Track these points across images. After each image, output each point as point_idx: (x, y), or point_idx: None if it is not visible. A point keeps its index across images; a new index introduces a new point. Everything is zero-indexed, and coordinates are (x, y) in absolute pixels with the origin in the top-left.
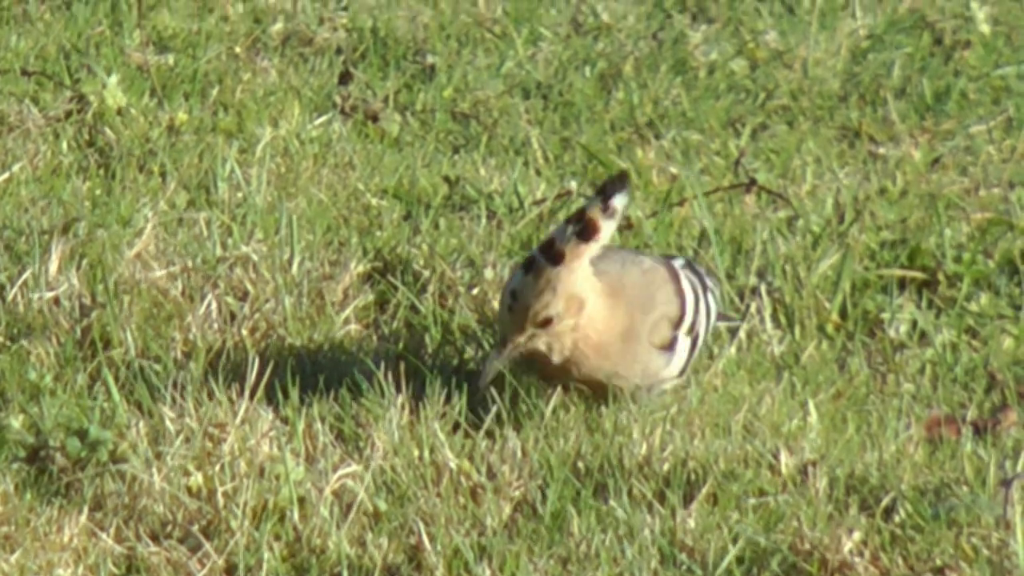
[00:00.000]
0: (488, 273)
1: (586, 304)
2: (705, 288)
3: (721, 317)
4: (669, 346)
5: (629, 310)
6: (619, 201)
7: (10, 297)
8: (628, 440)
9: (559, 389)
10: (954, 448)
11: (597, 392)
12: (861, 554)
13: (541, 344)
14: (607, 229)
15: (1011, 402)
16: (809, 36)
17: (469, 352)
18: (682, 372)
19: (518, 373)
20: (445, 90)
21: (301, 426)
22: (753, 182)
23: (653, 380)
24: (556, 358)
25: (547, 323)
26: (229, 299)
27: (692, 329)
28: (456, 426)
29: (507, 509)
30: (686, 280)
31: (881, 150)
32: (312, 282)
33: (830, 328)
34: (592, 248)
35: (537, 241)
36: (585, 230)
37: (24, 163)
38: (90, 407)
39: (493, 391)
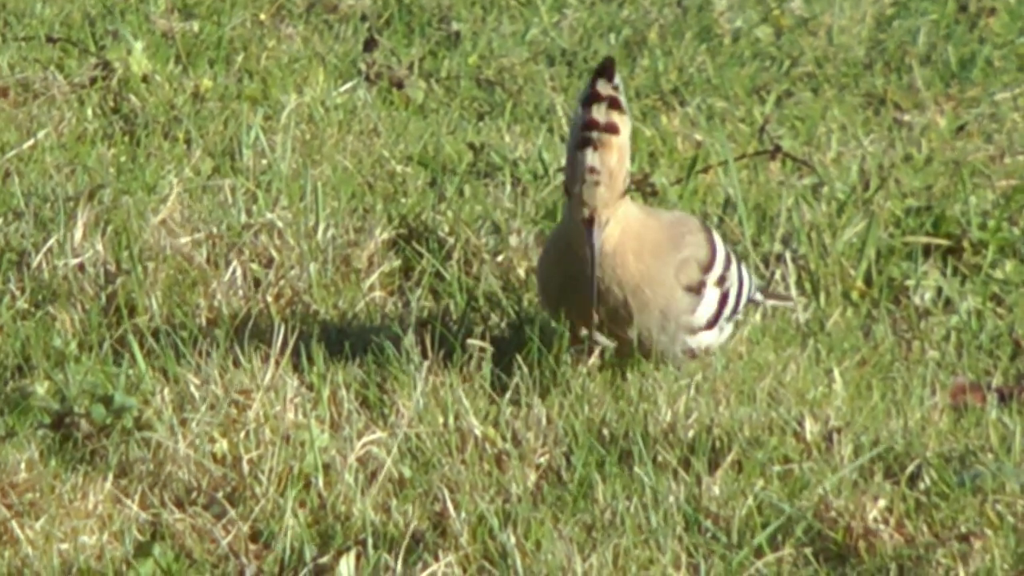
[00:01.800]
0: (513, 240)
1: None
2: (739, 259)
3: (772, 296)
4: (696, 290)
5: (660, 228)
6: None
7: (35, 264)
8: (653, 407)
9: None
10: (979, 415)
11: (615, 322)
12: (886, 521)
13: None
14: (623, 100)
15: None
16: (834, 3)
17: (494, 319)
18: (710, 325)
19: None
20: (470, 57)
21: (326, 393)
22: (778, 149)
23: (676, 324)
24: (608, 247)
25: (625, 193)
26: (254, 266)
27: (722, 281)
28: (482, 393)
29: (532, 476)
30: (718, 235)
31: (906, 117)
32: (337, 249)
33: (855, 295)
34: (627, 119)
35: (562, 208)
36: (614, 103)
37: (49, 130)
38: (115, 374)
39: (519, 358)
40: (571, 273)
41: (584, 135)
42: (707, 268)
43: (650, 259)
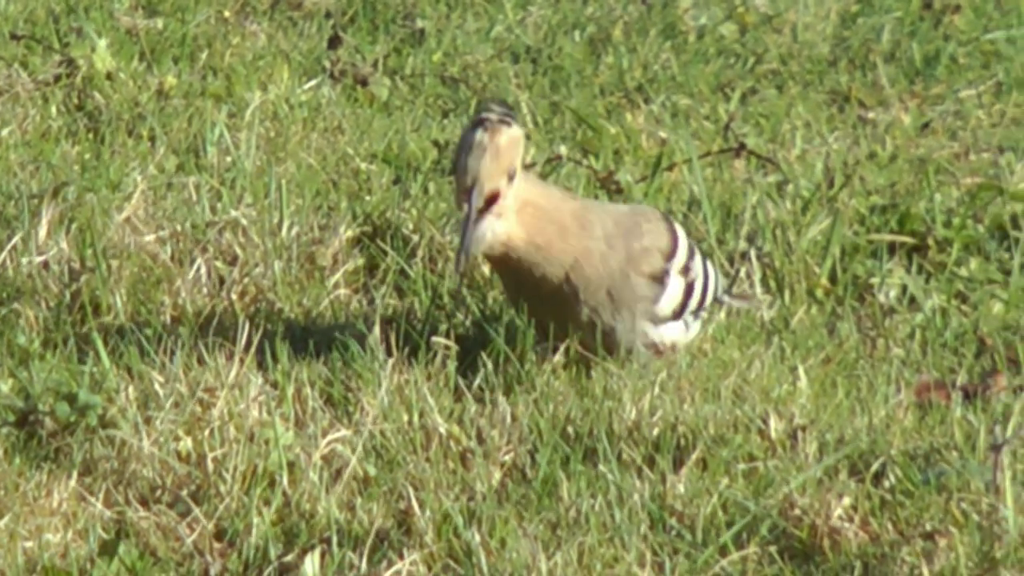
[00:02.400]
0: None
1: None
2: (705, 256)
3: (737, 297)
4: (659, 279)
5: (595, 215)
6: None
7: None
8: (618, 405)
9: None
10: (944, 413)
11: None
12: (851, 519)
13: (500, 228)
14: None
15: (1001, 367)
16: (798, 0)
17: (459, 317)
18: (676, 315)
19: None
20: (434, 54)
21: (291, 391)
22: (743, 146)
23: (637, 312)
24: (519, 242)
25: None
26: (218, 263)
27: (686, 271)
28: (446, 391)
29: (497, 474)
30: (681, 228)
31: (871, 114)
32: (302, 246)
33: (820, 293)
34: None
35: None
36: (507, 116)
37: (13, 127)
38: (79, 371)
39: (483, 356)
40: (514, 277)
41: (481, 117)
42: (669, 256)
43: (578, 238)
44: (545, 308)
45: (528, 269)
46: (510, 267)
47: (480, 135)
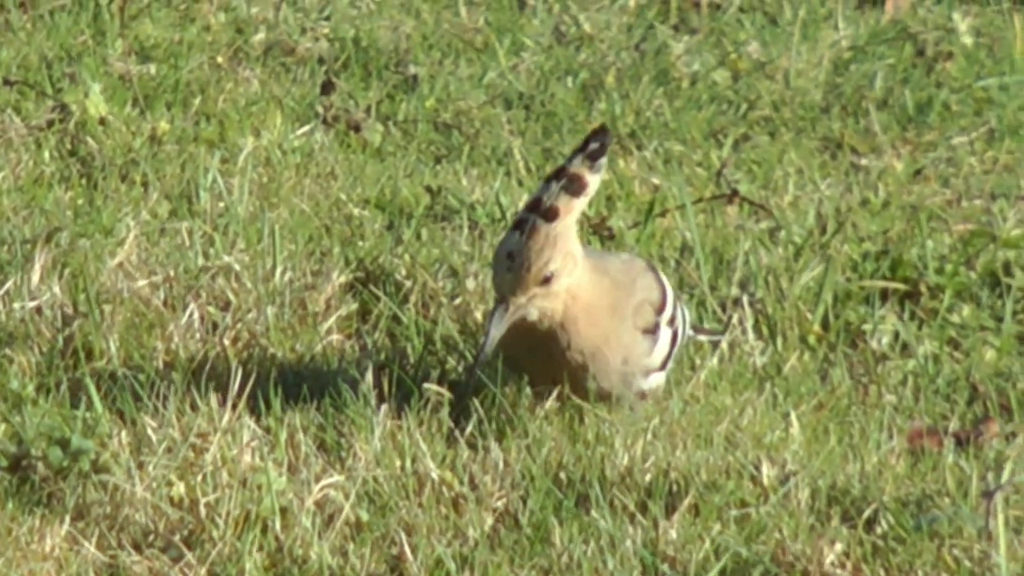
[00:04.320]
0: (470, 283)
1: (579, 263)
2: (677, 295)
3: (702, 331)
4: (652, 331)
5: (613, 286)
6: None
7: None
8: (610, 451)
9: (539, 397)
10: (936, 460)
11: (576, 383)
12: (843, 565)
13: (535, 308)
14: (593, 183)
15: (993, 414)
16: (791, 47)
17: (451, 362)
18: (663, 366)
19: (503, 374)
20: (427, 100)
21: (283, 436)
22: (735, 193)
23: (635, 368)
24: (546, 323)
25: (548, 281)
26: (211, 309)
27: (672, 321)
28: (439, 436)
29: (489, 519)
30: (662, 274)
31: (863, 161)
32: (294, 292)
33: (812, 339)
34: (582, 202)
35: None
36: (573, 185)
37: (6, 172)
38: (72, 417)
39: (475, 402)
40: (526, 343)
41: (521, 215)
42: (660, 309)
43: (607, 321)
44: (546, 371)
45: (547, 344)
46: (528, 335)
47: (516, 241)
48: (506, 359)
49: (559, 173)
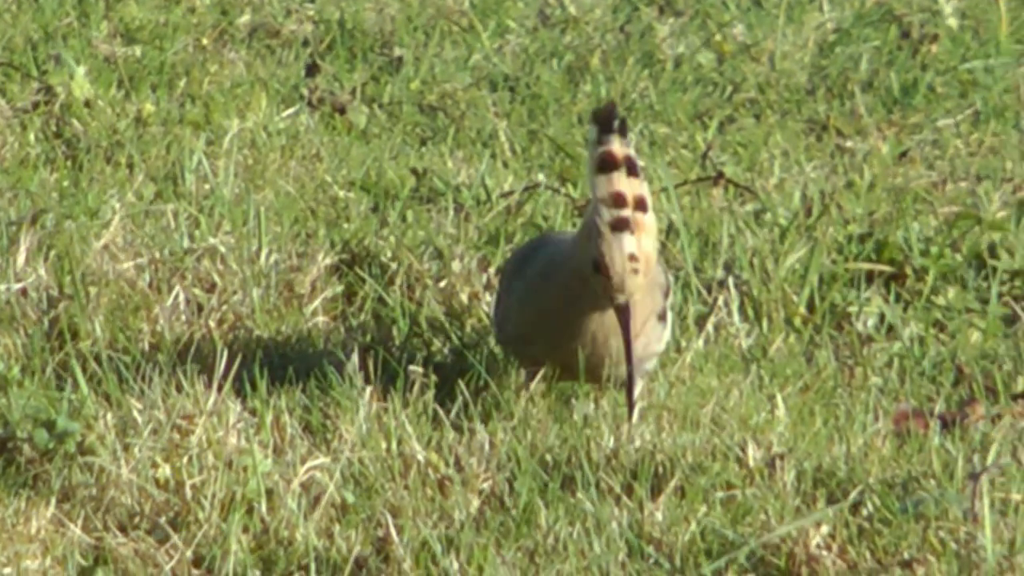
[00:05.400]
0: (455, 265)
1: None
2: None
3: None
4: (663, 316)
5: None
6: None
7: None
8: (596, 433)
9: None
10: (922, 442)
11: (599, 370)
12: (829, 547)
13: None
14: (635, 156)
15: (978, 396)
16: (776, 29)
17: (436, 344)
18: (665, 351)
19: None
20: (412, 82)
21: (269, 418)
22: (720, 175)
23: (649, 353)
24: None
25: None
26: (197, 291)
27: (672, 306)
28: (425, 418)
29: (475, 501)
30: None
31: (848, 143)
32: (280, 274)
33: (797, 321)
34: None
35: (504, 235)
36: (632, 166)
37: None
38: (58, 398)
39: (461, 384)
40: (574, 329)
41: (616, 216)
42: (667, 294)
43: (649, 305)
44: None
45: (606, 326)
46: (589, 318)
47: (631, 240)
48: (527, 342)
49: (609, 161)
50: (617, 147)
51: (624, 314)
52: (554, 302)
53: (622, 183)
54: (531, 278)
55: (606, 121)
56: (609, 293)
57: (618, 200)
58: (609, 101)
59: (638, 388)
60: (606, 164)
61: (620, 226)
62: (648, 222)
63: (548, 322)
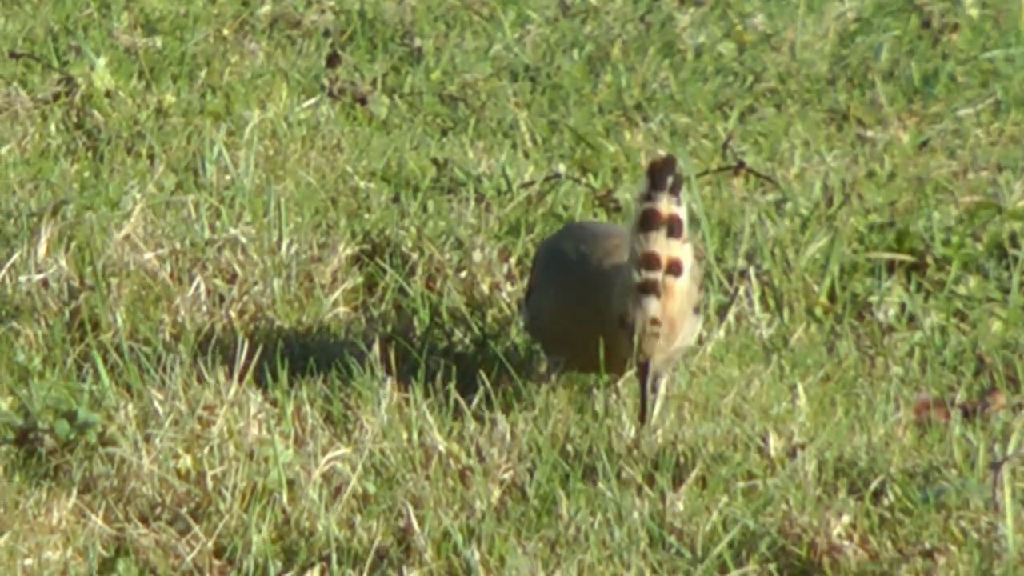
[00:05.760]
0: (476, 255)
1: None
2: None
3: None
4: (697, 309)
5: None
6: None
7: None
8: (617, 423)
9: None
10: (943, 431)
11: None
12: (850, 537)
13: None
14: (684, 216)
15: (1000, 385)
16: (797, 19)
17: (457, 335)
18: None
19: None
20: (433, 73)
21: (290, 408)
22: (741, 165)
23: (681, 346)
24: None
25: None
26: (218, 281)
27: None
28: (446, 409)
29: (496, 492)
30: None
31: (869, 133)
32: (301, 264)
33: (819, 311)
34: (687, 240)
35: (525, 225)
36: (674, 228)
37: (12, 145)
38: (79, 389)
39: (482, 374)
40: (608, 342)
41: (646, 278)
42: (701, 287)
43: (688, 304)
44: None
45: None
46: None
47: (657, 307)
48: (559, 340)
49: (651, 220)
50: (663, 206)
51: (643, 369)
52: (591, 322)
53: (659, 244)
54: (570, 287)
55: (660, 178)
56: (633, 353)
57: (651, 262)
58: (669, 155)
59: (662, 384)
60: (647, 222)
61: (648, 289)
62: (678, 287)
63: (583, 332)
